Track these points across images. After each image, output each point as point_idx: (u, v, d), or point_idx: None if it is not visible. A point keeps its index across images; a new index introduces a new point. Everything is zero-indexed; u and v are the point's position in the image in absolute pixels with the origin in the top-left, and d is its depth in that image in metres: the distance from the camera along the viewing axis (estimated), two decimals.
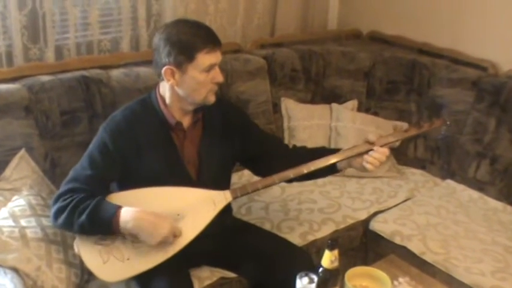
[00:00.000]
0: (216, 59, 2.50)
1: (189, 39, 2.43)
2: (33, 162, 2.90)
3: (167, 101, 2.58)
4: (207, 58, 2.45)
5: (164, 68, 2.48)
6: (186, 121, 2.63)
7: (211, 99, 2.57)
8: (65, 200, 2.43)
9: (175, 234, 2.43)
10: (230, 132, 2.75)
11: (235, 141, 2.77)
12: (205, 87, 2.51)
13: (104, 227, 2.40)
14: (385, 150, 2.62)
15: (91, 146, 2.57)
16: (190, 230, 2.47)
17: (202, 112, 2.65)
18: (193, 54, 2.43)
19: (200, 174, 2.68)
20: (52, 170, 3.01)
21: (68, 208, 2.40)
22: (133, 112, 2.60)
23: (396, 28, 4.42)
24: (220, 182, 2.65)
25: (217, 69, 2.52)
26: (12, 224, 2.48)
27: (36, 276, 2.35)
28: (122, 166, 2.56)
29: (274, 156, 2.77)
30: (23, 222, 2.51)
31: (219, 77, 2.53)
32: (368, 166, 2.61)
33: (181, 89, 2.52)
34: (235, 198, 2.56)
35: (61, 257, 2.52)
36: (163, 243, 2.40)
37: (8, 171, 2.81)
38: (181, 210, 2.49)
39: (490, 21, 3.89)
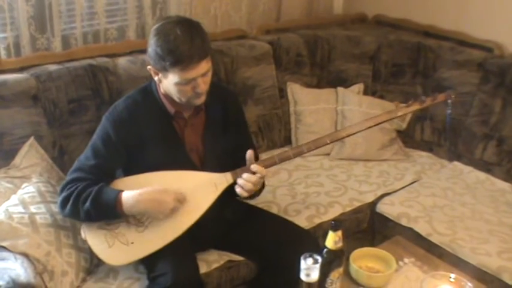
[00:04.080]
0: (195, 73, 2.40)
1: (164, 54, 2.37)
2: (42, 150, 2.94)
3: (163, 91, 2.60)
4: (181, 74, 2.39)
5: (148, 66, 2.51)
6: (186, 111, 2.64)
7: (197, 102, 2.54)
8: (69, 189, 2.47)
9: (180, 201, 2.48)
10: (228, 124, 2.76)
11: (231, 133, 2.77)
12: (184, 95, 2.48)
13: (108, 211, 2.45)
14: (259, 169, 2.53)
15: (94, 136, 2.60)
16: (192, 212, 2.51)
17: (203, 103, 2.62)
18: (167, 68, 2.40)
19: (204, 162, 2.69)
20: (61, 157, 3.05)
21: (72, 196, 2.45)
22: (134, 101, 2.62)
23: (401, 11, 4.42)
24: (225, 170, 2.63)
25: (198, 81, 2.43)
26: (22, 210, 2.51)
27: (46, 261, 2.38)
28: (125, 155, 2.59)
29: (240, 161, 2.63)
30: (32, 209, 2.55)
31: (199, 88, 2.45)
32: (238, 190, 2.54)
33: (164, 88, 2.54)
34: (236, 179, 2.56)
35: (70, 242, 2.56)
36: (175, 213, 2.47)
37: (17, 159, 2.85)
38: (183, 193, 2.52)
39: (496, 2, 3.89)
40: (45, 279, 2.36)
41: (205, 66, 2.43)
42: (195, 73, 2.40)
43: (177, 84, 2.42)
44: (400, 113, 2.79)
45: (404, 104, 2.78)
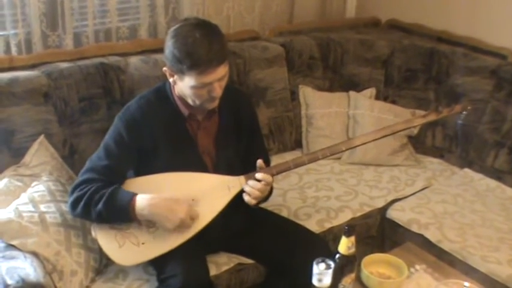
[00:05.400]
0: (212, 78, 2.39)
1: (182, 57, 2.35)
2: (52, 148, 2.93)
3: (177, 93, 2.59)
4: (198, 78, 2.38)
5: (164, 68, 2.50)
6: (199, 113, 2.63)
7: (209, 106, 2.54)
8: (81, 189, 2.46)
9: (192, 217, 2.46)
10: (241, 128, 2.75)
11: (243, 137, 2.77)
12: (199, 98, 2.47)
13: (120, 214, 2.44)
14: (265, 176, 2.52)
15: (107, 136, 2.59)
16: (205, 215, 2.50)
17: (217, 106, 2.62)
18: (184, 71, 2.38)
19: (217, 165, 2.69)
20: (71, 156, 3.04)
21: (85, 197, 2.43)
22: (148, 102, 2.60)
23: (415, 16, 4.40)
24: (237, 174, 2.62)
25: (214, 85, 2.42)
26: (32, 209, 2.51)
27: (55, 261, 2.38)
28: (137, 156, 2.58)
29: (253, 166, 2.62)
30: (42, 208, 2.54)
31: (215, 93, 2.44)
32: (246, 198, 2.54)
33: (179, 90, 2.53)
34: None
35: (80, 241, 2.56)
36: (181, 226, 2.44)
37: (27, 157, 2.84)
38: (196, 195, 2.52)
39: (510, 9, 3.87)
40: (55, 279, 2.36)
41: (222, 70, 2.42)
42: (212, 77, 2.39)
43: (193, 87, 2.41)
44: (416, 123, 2.81)
45: (420, 112, 2.77)
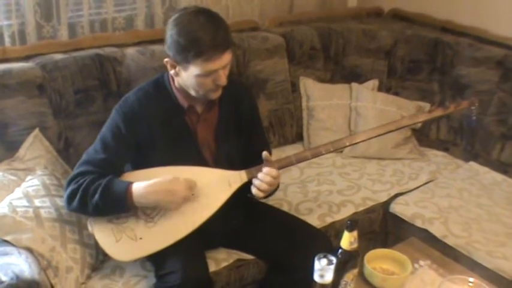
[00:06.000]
0: (218, 65, 2.39)
1: (188, 43, 2.34)
2: (47, 142, 2.93)
3: (176, 85, 2.58)
4: (205, 65, 2.37)
5: (166, 59, 2.48)
6: (199, 105, 2.63)
7: (213, 96, 2.53)
8: (77, 182, 2.45)
9: (192, 187, 2.48)
10: (241, 121, 2.75)
11: (244, 130, 2.77)
12: (203, 88, 2.47)
13: (117, 204, 2.43)
14: (271, 170, 2.51)
15: (104, 129, 2.58)
16: (204, 209, 2.50)
17: (217, 98, 2.61)
18: (190, 59, 2.37)
19: (217, 159, 2.68)
20: (66, 150, 3.04)
21: (80, 190, 2.43)
22: (146, 94, 2.60)
23: (418, 5, 4.40)
24: (237, 168, 2.62)
25: (219, 73, 2.42)
26: (26, 204, 2.51)
27: (50, 257, 2.38)
28: (135, 149, 2.57)
29: (254, 158, 2.64)
30: (37, 202, 2.54)
31: (221, 81, 2.45)
32: (254, 191, 2.53)
33: (181, 81, 2.52)
34: (250, 178, 2.55)
35: (76, 237, 2.56)
36: (186, 201, 2.47)
37: (21, 151, 2.84)
38: (196, 190, 2.51)
39: None
40: (50, 275, 2.36)
41: (227, 57, 2.42)
42: (218, 64, 2.39)
43: (198, 76, 2.40)
44: (421, 119, 2.83)
45: (426, 105, 2.78)
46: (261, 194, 2.52)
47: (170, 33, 2.39)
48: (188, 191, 2.46)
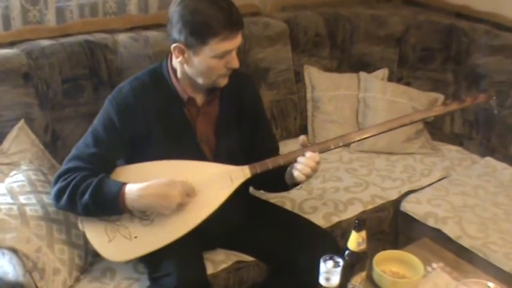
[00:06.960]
0: (233, 44, 2.41)
1: (204, 21, 2.33)
2: (33, 135, 2.92)
3: (178, 75, 2.56)
4: (221, 45, 2.37)
5: (174, 45, 2.45)
6: (200, 97, 2.62)
7: (222, 82, 2.53)
8: (65, 179, 2.44)
9: (189, 194, 2.45)
10: (243, 113, 2.74)
11: (246, 123, 2.75)
12: (215, 72, 2.47)
13: (108, 207, 2.42)
14: (314, 155, 2.51)
15: (96, 121, 2.56)
16: (204, 207, 2.48)
17: (219, 89, 2.61)
18: (206, 39, 2.36)
19: (216, 154, 2.67)
20: (53, 143, 3.04)
21: (69, 188, 2.41)
22: (142, 84, 2.57)
23: None
24: (238, 163, 2.60)
25: (233, 54, 2.44)
26: (11, 201, 2.50)
27: (36, 258, 2.36)
28: (129, 143, 2.56)
29: (260, 153, 2.67)
30: (22, 199, 2.53)
31: (234, 63, 2.46)
32: (296, 174, 2.52)
33: (190, 69, 2.49)
34: (254, 174, 2.54)
35: (63, 237, 2.54)
36: (182, 208, 2.44)
37: (6, 144, 2.83)
38: (195, 186, 2.49)
39: None
40: (35, 277, 2.33)
41: (240, 38, 2.45)
42: (233, 44, 2.40)
43: (213, 57, 2.40)
44: (436, 113, 2.82)
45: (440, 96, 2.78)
46: (302, 177, 2.50)
47: (181, 13, 2.37)
48: (184, 197, 2.43)
